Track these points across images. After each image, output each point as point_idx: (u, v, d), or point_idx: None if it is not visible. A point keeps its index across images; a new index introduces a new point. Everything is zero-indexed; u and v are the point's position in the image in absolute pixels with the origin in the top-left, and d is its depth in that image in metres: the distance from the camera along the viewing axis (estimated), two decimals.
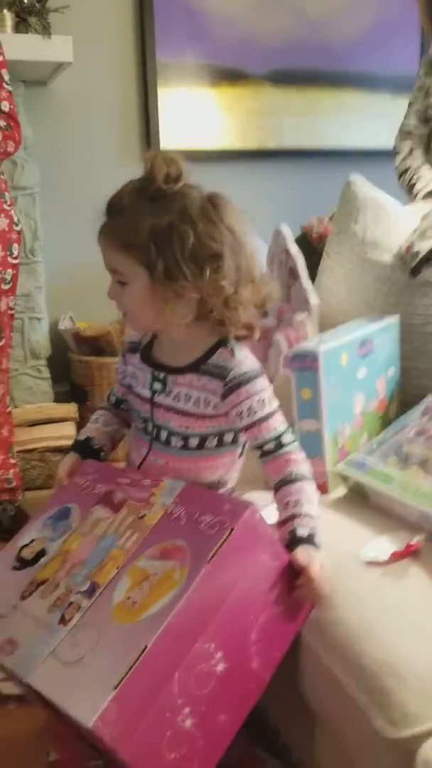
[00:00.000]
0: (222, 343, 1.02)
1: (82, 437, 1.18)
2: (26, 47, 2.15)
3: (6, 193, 1.90)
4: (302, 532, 0.94)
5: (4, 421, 2.03)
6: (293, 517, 0.95)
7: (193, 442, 1.04)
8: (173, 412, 1.04)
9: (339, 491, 1.19)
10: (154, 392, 1.06)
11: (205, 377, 1.01)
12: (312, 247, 1.71)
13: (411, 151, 1.83)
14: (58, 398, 2.58)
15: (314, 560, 0.90)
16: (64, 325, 2.61)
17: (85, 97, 2.61)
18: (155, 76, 2.67)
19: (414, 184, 1.77)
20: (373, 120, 3.03)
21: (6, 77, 1.85)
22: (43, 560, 0.99)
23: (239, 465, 1.12)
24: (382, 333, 1.32)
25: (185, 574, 0.82)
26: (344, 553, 0.99)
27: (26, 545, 1.04)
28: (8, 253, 1.90)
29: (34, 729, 1.22)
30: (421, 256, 1.40)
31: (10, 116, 1.85)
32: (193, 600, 0.80)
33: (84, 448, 1.16)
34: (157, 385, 1.05)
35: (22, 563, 1.01)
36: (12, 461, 2.02)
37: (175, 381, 1.03)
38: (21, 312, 2.31)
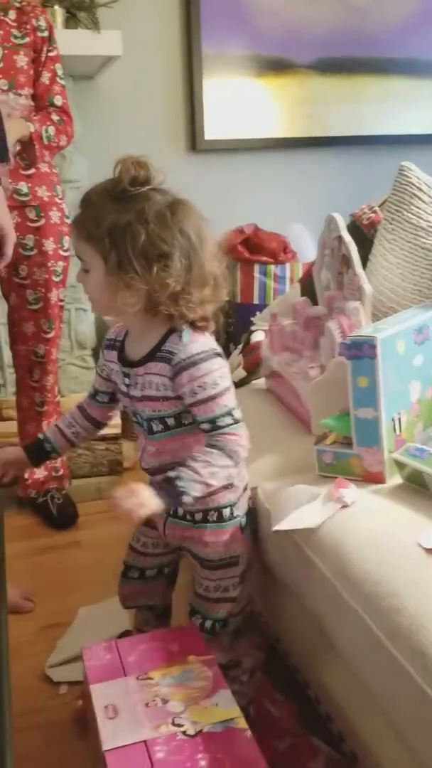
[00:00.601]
0: (173, 330, 1.10)
1: (41, 435, 1.31)
2: (76, 42, 2.19)
3: (58, 186, 1.93)
4: (172, 473, 1.05)
5: (53, 410, 2.06)
6: (184, 463, 1.06)
7: (170, 422, 1.13)
8: (145, 400, 1.13)
9: (395, 480, 1.17)
10: (128, 386, 1.15)
11: (160, 363, 1.09)
12: (363, 234, 1.68)
13: None
14: None
15: (131, 487, 1.02)
16: None
17: (131, 91, 2.63)
18: (201, 68, 2.68)
19: None
20: (421, 106, 2.99)
21: (59, 72, 1.87)
22: None
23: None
24: None
25: None
26: (404, 541, 0.98)
27: None
28: (60, 245, 1.92)
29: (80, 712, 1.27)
30: None
31: (63, 110, 1.87)
32: None
33: (37, 448, 1.29)
34: (127, 380, 1.15)
35: None
36: None
37: (138, 372, 1.13)
38: (69, 303, 2.34)
